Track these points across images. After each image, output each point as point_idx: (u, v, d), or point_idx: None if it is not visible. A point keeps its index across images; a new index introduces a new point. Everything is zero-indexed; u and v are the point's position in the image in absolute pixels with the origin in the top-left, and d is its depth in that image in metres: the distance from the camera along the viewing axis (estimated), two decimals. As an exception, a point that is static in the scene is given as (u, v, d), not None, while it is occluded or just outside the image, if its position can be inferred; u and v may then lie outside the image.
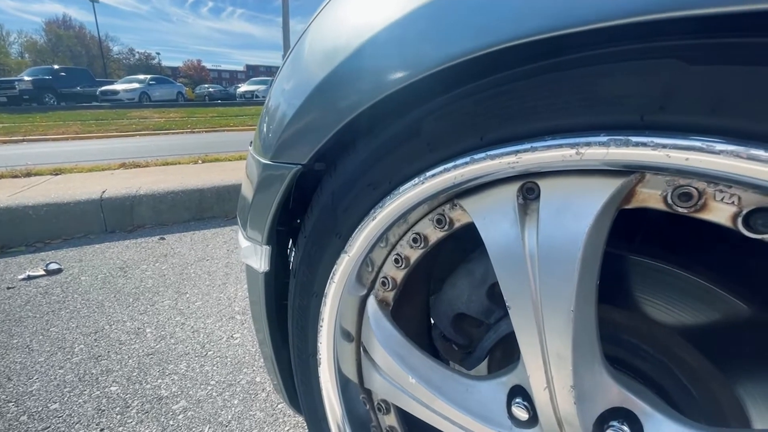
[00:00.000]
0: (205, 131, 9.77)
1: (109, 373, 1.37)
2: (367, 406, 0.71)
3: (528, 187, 0.40)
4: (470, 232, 0.47)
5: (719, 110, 0.25)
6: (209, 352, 1.49)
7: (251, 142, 0.81)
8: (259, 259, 0.69)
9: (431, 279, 0.73)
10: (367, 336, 0.64)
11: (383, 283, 0.61)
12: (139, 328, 1.65)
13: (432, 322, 0.70)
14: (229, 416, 1.18)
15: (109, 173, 3.97)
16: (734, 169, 0.26)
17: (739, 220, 0.31)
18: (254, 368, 1.40)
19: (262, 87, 25.12)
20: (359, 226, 0.51)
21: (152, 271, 2.20)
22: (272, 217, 0.62)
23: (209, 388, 1.30)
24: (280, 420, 1.16)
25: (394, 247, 0.58)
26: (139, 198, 2.96)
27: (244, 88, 27.15)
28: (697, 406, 0.45)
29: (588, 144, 0.31)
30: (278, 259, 0.70)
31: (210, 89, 30.76)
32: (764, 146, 0.24)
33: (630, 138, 0.29)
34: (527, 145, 0.34)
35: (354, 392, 0.71)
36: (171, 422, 1.16)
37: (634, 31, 0.26)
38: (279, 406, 1.22)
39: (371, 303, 0.63)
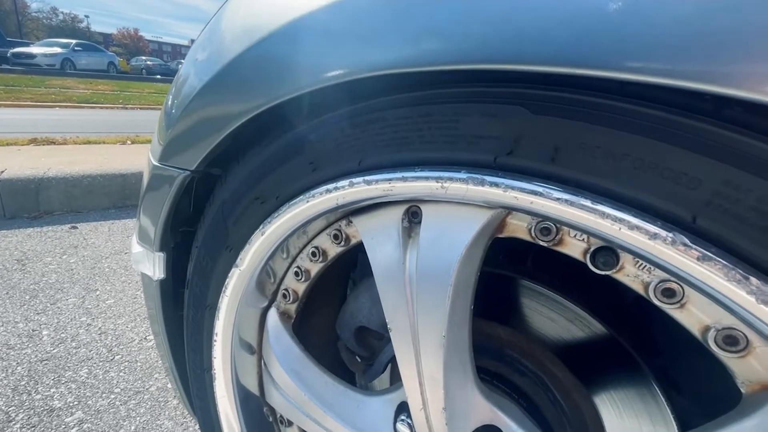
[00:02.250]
0: (140, 108, 8.96)
1: (-9, 383, 1.21)
2: (270, 419, 0.69)
3: (413, 211, 0.40)
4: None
5: (557, 159, 0.26)
6: (116, 357, 1.37)
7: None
8: (153, 266, 0.64)
9: (342, 292, 0.72)
10: (267, 350, 0.62)
11: (284, 296, 0.59)
12: (33, 330, 1.47)
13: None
14: (132, 427, 1.09)
15: (15, 149, 3.50)
16: (569, 216, 0.27)
17: (588, 256, 0.33)
18: (166, 373, 1.31)
19: (207, 66, 23.38)
20: (249, 240, 0.48)
21: (57, 264, 1.97)
22: (164, 222, 0.57)
23: (112, 396, 1.20)
24: (191, 429, 1.10)
25: (294, 259, 0.56)
26: (47, 180, 2.64)
27: (186, 64, 25.21)
28: (564, 417, 0.49)
29: (450, 179, 0.31)
30: (176, 267, 0.65)
31: (148, 62, 28.27)
32: (591, 197, 0.26)
33: (485, 178, 0.29)
34: (399, 174, 0.33)
35: (256, 404, 0.68)
36: (62, 436, 1.05)
37: (486, 75, 0.26)
38: (190, 414, 1.15)
39: (272, 316, 0.60)
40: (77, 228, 2.43)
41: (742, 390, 0.30)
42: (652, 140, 0.23)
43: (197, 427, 1.11)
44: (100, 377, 1.27)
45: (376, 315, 0.59)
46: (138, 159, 3.39)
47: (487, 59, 0.24)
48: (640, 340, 0.51)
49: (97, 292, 1.76)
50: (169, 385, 1.25)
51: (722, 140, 0.21)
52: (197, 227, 0.57)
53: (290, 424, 0.68)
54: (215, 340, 0.59)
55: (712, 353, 0.30)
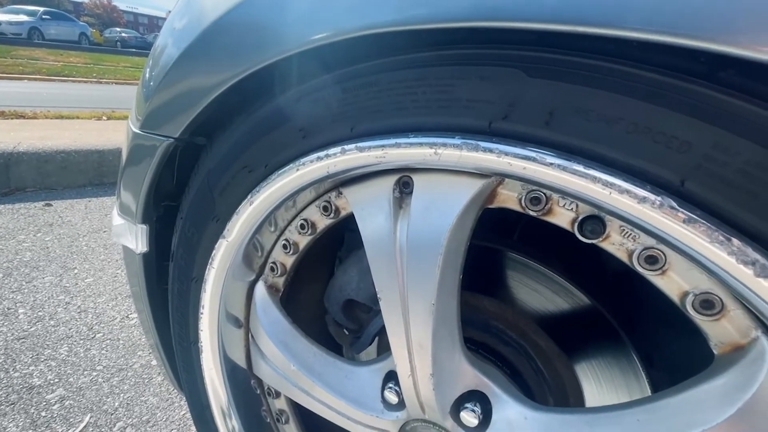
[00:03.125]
0: (115, 83, 8.58)
1: (-34, 361, 1.18)
2: (258, 391, 0.70)
3: (404, 181, 0.40)
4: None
5: (551, 124, 0.26)
6: (98, 335, 1.35)
7: (134, 106, 0.71)
8: (135, 239, 0.62)
9: (329, 267, 0.72)
10: (255, 324, 0.61)
11: (272, 269, 0.59)
12: (9, 309, 1.43)
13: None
14: (116, 403, 1.09)
15: (-21, 123, 3.32)
16: (561, 181, 0.28)
17: (576, 225, 0.33)
18: (150, 350, 1.30)
19: (186, 40, 22.41)
20: (237, 210, 0.47)
21: (32, 242, 1.91)
22: (146, 193, 0.55)
23: (95, 374, 1.19)
24: (176, 404, 1.10)
25: (282, 231, 0.55)
26: (17, 156, 2.52)
27: (164, 38, 24.08)
28: (546, 385, 0.51)
29: (444, 145, 0.31)
30: (160, 239, 0.64)
31: (123, 34, 26.86)
32: (584, 162, 0.26)
33: (479, 143, 0.29)
34: (393, 141, 0.33)
35: (243, 377, 0.68)
36: (43, 413, 1.04)
37: (480, 36, 0.26)
38: (175, 390, 1.15)
39: (260, 289, 0.60)
40: (52, 205, 2.35)
41: (715, 351, 0.31)
42: (646, 103, 0.23)
43: (183, 402, 1.11)
44: (81, 355, 1.25)
45: (365, 288, 0.59)
46: (115, 135, 3.26)
47: (482, 17, 0.23)
48: (621, 311, 0.53)
49: (75, 271, 1.71)
50: (154, 362, 1.24)
51: (714, 103, 0.21)
52: (181, 199, 0.55)
53: (278, 395, 0.68)
54: (202, 313, 0.59)
55: (689, 318, 0.31)
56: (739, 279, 0.24)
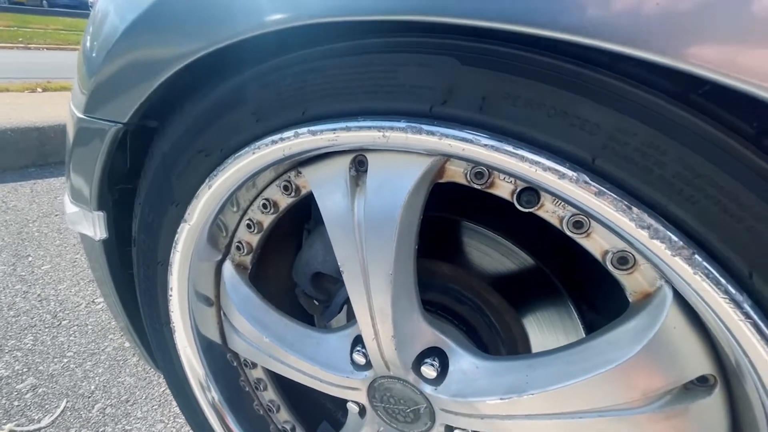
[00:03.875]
0: (46, 48, 7.73)
1: None
2: (235, 363, 0.73)
3: (359, 160, 0.42)
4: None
5: (485, 108, 0.29)
6: (63, 322, 1.32)
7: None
8: (93, 226, 0.61)
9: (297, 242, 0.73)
10: (225, 301, 0.63)
11: (238, 248, 0.60)
12: (-39, 302, 1.36)
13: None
14: (92, 386, 1.09)
15: None
16: (495, 160, 0.30)
17: (514, 196, 0.37)
18: (122, 334, 1.29)
19: (124, -2, 20.30)
20: (196, 194, 0.48)
21: (-24, 231, 1.78)
22: (99, 180, 0.54)
23: (65, 360, 1.18)
24: (154, 383, 1.12)
25: (245, 211, 0.56)
26: (-57, 137, 2.29)
27: (99, -4, 21.74)
28: (498, 338, 0.57)
29: (391, 128, 0.32)
30: (119, 224, 0.63)
31: (49, -8, 23.89)
32: (513, 143, 0.29)
33: (422, 126, 0.31)
34: (343, 124, 0.35)
35: (219, 352, 0.71)
36: (16, 403, 1.03)
37: (421, 25, 0.27)
38: (153, 368, 1.17)
39: (227, 268, 0.61)
40: (-8, 190, 2.18)
41: (630, 299, 0.37)
42: (562, 90, 0.26)
43: (161, 380, 1.13)
44: (48, 343, 1.23)
45: (330, 261, 0.62)
46: (54, 110, 3.00)
47: (417, 11, 0.25)
48: (560, 270, 0.59)
49: (30, 258, 1.63)
50: (127, 344, 1.24)
51: (616, 90, 0.24)
52: (138, 183, 0.54)
53: (254, 366, 0.72)
54: (171, 295, 0.60)
55: (610, 272, 0.36)
56: (638, 240, 0.28)
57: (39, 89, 3.96)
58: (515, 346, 0.58)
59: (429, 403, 0.49)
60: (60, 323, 1.31)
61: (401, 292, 0.44)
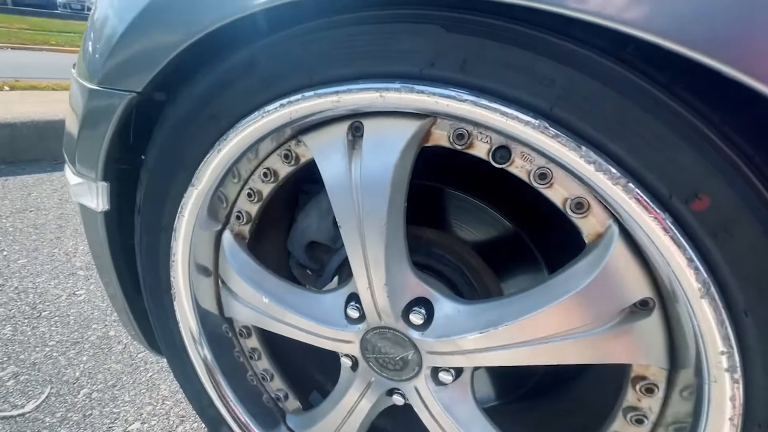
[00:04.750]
0: (11, 47, 7.45)
1: None
2: (230, 334, 0.76)
3: (356, 126, 0.48)
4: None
5: (465, 69, 0.35)
6: (44, 313, 1.30)
7: (74, 65, 0.70)
8: (96, 197, 0.64)
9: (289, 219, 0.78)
10: (224, 268, 0.67)
11: (238, 217, 0.64)
12: (-68, 295, 1.32)
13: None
14: (77, 373, 1.09)
15: None
16: (474, 114, 0.37)
17: (490, 155, 0.43)
18: (106, 323, 1.29)
19: (96, -3, 19.85)
20: (205, 159, 0.52)
21: (-56, 226, 1.72)
22: (106, 150, 0.57)
23: (47, 349, 1.16)
24: (141, 368, 1.13)
25: (246, 181, 0.61)
26: None
27: (69, -5, 21.11)
28: (477, 293, 0.63)
29: (387, 89, 0.38)
30: (119, 195, 0.66)
31: (14, -11, 22.91)
32: (488, 98, 0.35)
33: (414, 86, 0.37)
34: (345, 87, 0.40)
35: (214, 323, 0.74)
36: (-3, 390, 1.02)
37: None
38: (139, 355, 1.17)
39: (227, 237, 0.65)
40: (-40, 186, 2.10)
41: (586, 240, 0.44)
42: (525, 51, 0.32)
43: (149, 365, 1.14)
44: (29, 333, 1.21)
45: (325, 229, 0.67)
46: (24, 108, 2.92)
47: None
48: (534, 232, 0.66)
49: (5, 253, 1.60)
50: (112, 333, 1.24)
51: (566, 50, 0.31)
52: (146, 153, 0.58)
53: (249, 335, 0.75)
54: (173, 260, 0.63)
55: (569, 217, 0.43)
56: (586, 175, 0.35)
57: (6, 87, 3.82)
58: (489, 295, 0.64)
59: (416, 349, 0.55)
60: (40, 314, 1.30)
61: (393, 242, 0.49)
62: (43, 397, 1.01)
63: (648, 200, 0.33)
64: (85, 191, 0.64)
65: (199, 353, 0.72)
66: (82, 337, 1.22)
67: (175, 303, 0.68)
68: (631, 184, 0.33)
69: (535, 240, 0.65)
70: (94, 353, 1.17)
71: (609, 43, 0.30)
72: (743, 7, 0.24)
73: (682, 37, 0.26)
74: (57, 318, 1.29)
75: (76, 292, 1.42)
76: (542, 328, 0.45)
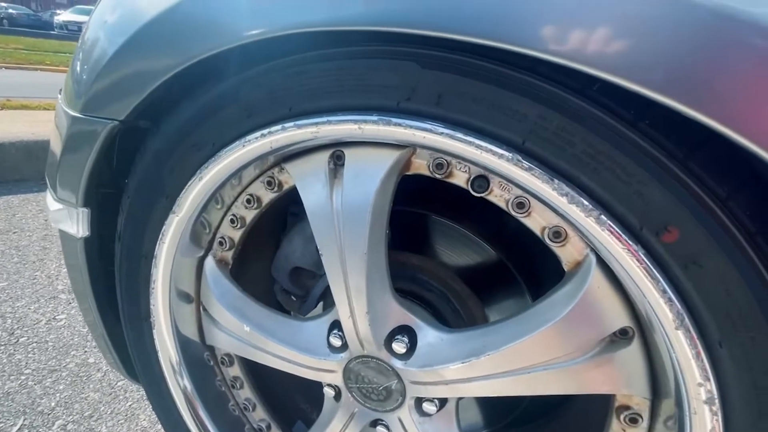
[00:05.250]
0: (5, 67, 7.48)
1: None
2: (211, 362, 0.74)
3: (337, 155, 0.48)
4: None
5: (440, 103, 0.36)
6: (21, 339, 1.26)
7: (61, 89, 0.70)
8: (76, 224, 0.63)
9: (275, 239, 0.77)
10: (206, 295, 0.66)
11: (221, 243, 0.64)
12: None
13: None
14: (53, 403, 1.05)
15: None
16: (449, 147, 0.38)
17: (469, 183, 0.44)
18: (86, 349, 1.25)
19: (93, 19, 20.13)
20: (186, 187, 0.52)
21: (-77, 248, 1.68)
22: (87, 177, 0.57)
23: (23, 377, 1.12)
24: (120, 397, 1.09)
25: (229, 207, 0.60)
26: None
27: (66, 16, 21.39)
28: (462, 320, 0.63)
29: (365, 121, 0.39)
30: (100, 222, 0.65)
31: (11, 11, 23.22)
32: (463, 131, 0.36)
33: (391, 119, 0.38)
34: (324, 119, 0.41)
35: (195, 351, 0.72)
36: (-34, 423, 0.97)
37: (386, 36, 0.34)
38: (119, 383, 1.14)
39: (209, 263, 0.65)
40: (-58, 207, 2.06)
41: (565, 269, 0.44)
42: (496, 87, 0.33)
43: (128, 394, 1.10)
44: (4, 361, 1.17)
45: (309, 254, 0.67)
46: (14, 127, 2.91)
47: (388, 23, 0.32)
48: (518, 261, 0.66)
49: (-16, 276, 1.56)
50: (91, 360, 1.20)
51: (536, 87, 0.32)
52: (127, 179, 0.58)
53: (231, 363, 0.74)
54: (153, 288, 0.62)
55: (548, 246, 0.44)
56: (560, 206, 0.35)
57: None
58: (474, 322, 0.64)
59: (400, 379, 0.54)
60: (17, 340, 1.26)
61: (374, 271, 0.49)
62: (15, 429, 0.97)
63: (620, 232, 0.33)
64: (65, 217, 0.64)
65: (178, 383, 0.70)
66: (59, 365, 1.18)
67: (154, 331, 0.67)
68: (603, 216, 0.34)
69: (517, 266, 0.65)
70: (71, 381, 1.12)
71: (576, 82, 0.31)
72: (696, 51, 0.26)
73: (641, 77, 0.27)
74: (35, 344, 1.25)
75: (57, 317, 1.38)
76: (524, 357, 0.44)
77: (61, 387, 1.10)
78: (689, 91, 0.26)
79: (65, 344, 1.26)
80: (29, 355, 1.20)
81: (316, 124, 0.41)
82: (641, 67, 0.27)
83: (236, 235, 0.62)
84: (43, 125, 3.13)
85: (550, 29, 0.28)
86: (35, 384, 1.10)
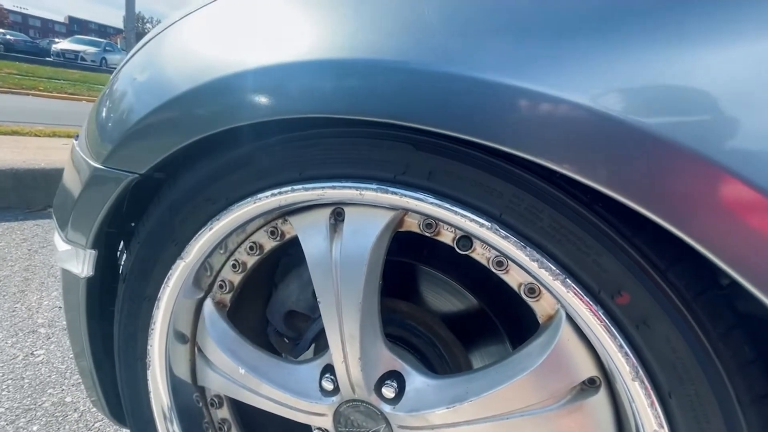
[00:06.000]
0: (0, 92, 7.51)
1: None
2: (200, 403, 0.75)
3: (338, 211, 0.54)
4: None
5: (431, 179, 0.42)
6: (-4, 375, 1.22)
7: (77, 136, 0.75)
8: (82, 264, 0.66)
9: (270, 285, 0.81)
10: (202, 336, 0.68)
11: (221, 286, 0.67)
12: None
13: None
14: (25, 446, 1.01)
15: None
16: (438, 214, 0.44)
17: (455, 242, 0.50)
18: (63, 387, 1.22)
19: (91, 49, 20.66)
20: (196, 236, 0.56)
21: None
22: (101, 222, 0.61)
23: (-6, 417, 1.08)
24: (97, 439, 1.06)
25: (232, 253, 0.65)
26: None
27: (64, 45, 21.81)
28: (447, 365, 0.67)
29: (366, 188, 0.45)
30: (100, 261, 0.68)
31: (9, 37, 23.61)
32: (450, 202, 0.42)
33: (388, 188, 0.44)
34: (330, 184, 0.47)
35: (185, 393, 0.73)
36: (-70, 466, 0.93)
37: (385, 123, 0.41)
38: (96, 424, 1.10)
39: (208, 305, 0.68)
40: None
41: (540, 321, 0.49)
42: (478, 170, 0.40)
43: (105, 436, 1.07)
44: (-24, 399, 1.13)
45: (304, 299, 0.70)
46: (3, 153, 2.91)
47: (384, 115, 0.39)
48: (498, 309, 0.71)
49: (-39, 307, 1.52)
50: (68, 399, 1.17)
51: (511, 171, 0.39)
52: (138, 224, 0.62)
53: (220, 405, 0.75)
54: (152, 329, 0.65)
55: (524, 301, 0.49)
56: (533, 270, 0.41)
57: (-10, 133, 3.82)
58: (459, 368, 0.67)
59: (388, 423, 0.57)
60: (-9, 377, 1.22)
61: (368, 320, 0.53)
62: (-17, 474, 0.93)
63: (582, 294, 0.39)
64: (72, 257, 0.66)
65: (167, 428, 0.70)
66: (35, 404, 1.14)
67: (148, 371, 0.68)
68: (568, 280, 0.39)
69: (498, 315, 0.70)
70: (46, 422, 1.09)
71: (543, 170, 0.38)
72: (631, 151, 0.32)
73: (590, 175, 0.33)
74: (10, 381, 1.21)
75: (35, 352, 1.34)
76: (504, 403, 0.48)
77: (34, 428, 1.06)
78: (628, 187, 0.33)
79: (42, 382, 1.22)
80: (3, 393, 1.16)
81: (323, 188, 0.47)
82: (590, 165, 0.34)
83: (236, 278, 0.66)
84: (33, 152, 3.14)
85: (522, 131, 0.35)
86: (8, 424, 1.06)
